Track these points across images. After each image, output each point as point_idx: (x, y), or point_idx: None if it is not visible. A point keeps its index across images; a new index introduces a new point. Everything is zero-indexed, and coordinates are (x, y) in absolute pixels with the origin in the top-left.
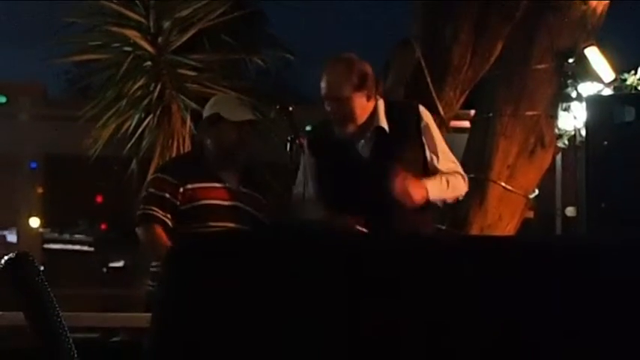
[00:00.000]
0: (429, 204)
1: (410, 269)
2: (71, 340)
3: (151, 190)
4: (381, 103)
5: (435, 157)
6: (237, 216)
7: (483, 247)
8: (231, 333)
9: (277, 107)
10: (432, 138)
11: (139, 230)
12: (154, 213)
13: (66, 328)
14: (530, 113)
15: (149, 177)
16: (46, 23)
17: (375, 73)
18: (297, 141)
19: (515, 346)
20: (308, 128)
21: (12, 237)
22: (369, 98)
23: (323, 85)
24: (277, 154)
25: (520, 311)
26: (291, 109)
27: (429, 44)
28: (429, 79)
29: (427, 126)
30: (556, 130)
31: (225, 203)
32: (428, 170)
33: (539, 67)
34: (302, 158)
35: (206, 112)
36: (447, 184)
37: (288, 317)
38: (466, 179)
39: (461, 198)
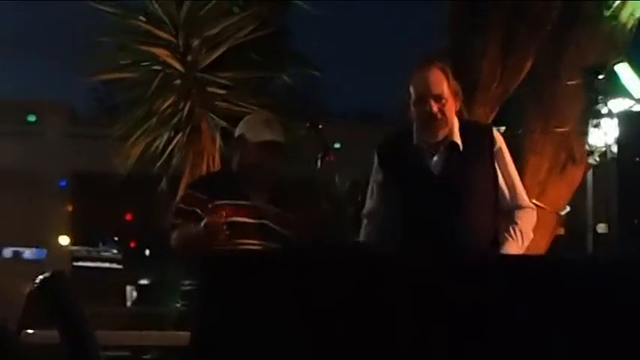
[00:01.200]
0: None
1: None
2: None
3: (180, 205)
4: (455, 120)
5: (507, 189)
6: (265, 234)
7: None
8: (263, 346)
9: (307, 124)
10: (505, 165)
11: (172, 241)
12: (183, 223)
13: (99, 347)
14: (560, 130)
15: (179, 194)
16: (75, 42)
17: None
18: (326, 158)
19: None
20: (337, 145)
21: (41, 255)
22: (456, 108)
23: (420, 83)
24: (307, 171)
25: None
26: (320, 126)
27: (458, 60)
28: None
29: (500, 150)
30: (586, 147)
31: (253, 221)
32: (497, 196)
33: (569, 83)
34: (372, 173)
35: (235, 133)
36: (521, 239)
37: (316, 333)
38: (534, 209)
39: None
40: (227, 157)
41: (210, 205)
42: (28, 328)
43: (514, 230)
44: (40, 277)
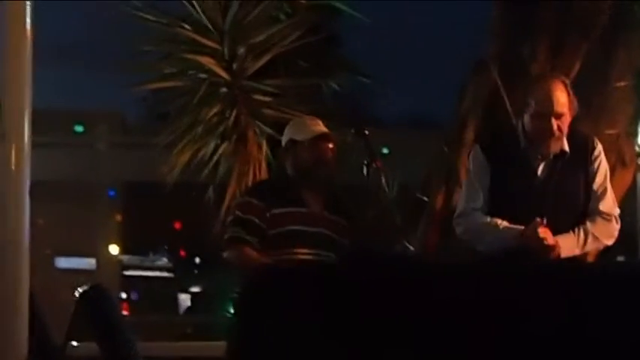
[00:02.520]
0: None
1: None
2: None
3: (238, 213)
4: None
5: (595, 194)
6: (322, 242)
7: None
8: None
9: (353, 131)
10: (600, 171)
11: (226, 254)
12: (241, 235)
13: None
14: (609, 132)
15: (235, 200)
16: (122, 51)
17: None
18: (373, 164)
19: None
20: (385, 151)
21: (91, 264)
22: (571, 119)
23: (545, 99)
24: (354, 177)
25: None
26: (367, 132)
27: (506, 64)
28: (506, 100)
29: (598, 159)
30: (636, 149)
31: (311, 229)
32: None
33: (619, 84)
34: (472, 168)
35: (282, 141)
36: (584, 238)
37: (352, 350)
38: (617, 221)
39: (610, 243)
40: (274, 165)
41: (268, 214)
42: (73, 340)
43: (579, 229)
44: (80, 289)
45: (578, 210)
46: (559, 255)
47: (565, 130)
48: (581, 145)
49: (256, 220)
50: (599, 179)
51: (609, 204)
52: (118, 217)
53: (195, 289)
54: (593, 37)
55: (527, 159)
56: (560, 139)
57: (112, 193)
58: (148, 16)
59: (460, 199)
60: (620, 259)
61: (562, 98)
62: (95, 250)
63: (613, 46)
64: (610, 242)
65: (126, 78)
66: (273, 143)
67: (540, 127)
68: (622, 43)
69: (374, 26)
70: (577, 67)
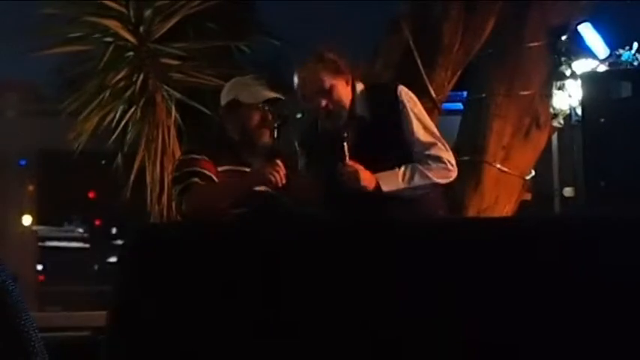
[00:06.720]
0: (412, 195)
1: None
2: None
3: (186, 169)
4: (359, 88)
5: (412, 142)
6: (267, 201)
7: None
8: (187, 325)
9: None
10: (409, 121)
11: (185, 205)
12: (198, 181)
13: (33, 337)
14: (524, 93)
15: (178, 159)
16: (27, 16)
17: (346, 57)
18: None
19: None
20: (299, 115)
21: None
22: (347, 83)
23: (301, 84)
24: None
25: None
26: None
27: (418, 23)
28: (418, 61)
29: (404, 107)
30: (551, 110)
31: (258, 189)
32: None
33: (532, 45)
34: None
35: (223, 99)
36: (410, 173)
37: (243, 310)
38: (446, 162)
39: (443, 182)
40: (219, 125)
41: (216, 170)
42: None
43: (401, 167)
44: None
45: (399, 161)
46: (378, 187)
47: (340, 99)
48: (386, 103)
49: (207, 172)
50: (412, 127)
51: (437, 150)
52: (31, 187)
53: (112, 260)
54: None
55: (328, 133)
56: (337, 113)
57: (22, 162)
58: None
59: None
60: None
61: (314, 75)
62: (6, 220)
63: (526, 6)
64: (443, 181)
65: (31, 43)
66: (182, 107)
67: (312, 109)
68: (535, 2)
69: None
70: (490, 26)
